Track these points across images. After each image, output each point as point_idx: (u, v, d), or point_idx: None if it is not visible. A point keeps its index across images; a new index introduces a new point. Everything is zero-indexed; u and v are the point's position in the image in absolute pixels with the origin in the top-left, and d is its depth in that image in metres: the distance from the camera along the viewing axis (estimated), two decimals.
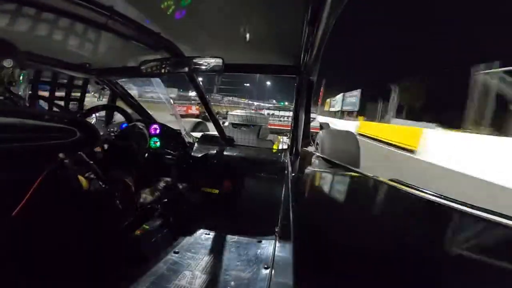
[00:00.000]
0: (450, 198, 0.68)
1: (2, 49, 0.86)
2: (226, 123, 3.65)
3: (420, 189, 0.77)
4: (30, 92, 1.47)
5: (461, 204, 0.65)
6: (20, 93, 0.93)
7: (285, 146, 2.76)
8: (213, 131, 2.13)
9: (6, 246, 0.68)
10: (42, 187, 0.74)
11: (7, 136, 0.72)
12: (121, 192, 1.16)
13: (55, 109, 1.66)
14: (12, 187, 0.71)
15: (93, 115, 1.79)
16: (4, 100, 0.87)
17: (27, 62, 0.94)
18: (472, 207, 0.62)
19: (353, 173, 1.13)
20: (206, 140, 2.09)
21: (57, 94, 1.66)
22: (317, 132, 3.16)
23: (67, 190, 0.84)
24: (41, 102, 1.60)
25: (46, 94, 1.60)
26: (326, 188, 1.05)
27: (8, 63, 0.85)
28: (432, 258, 0.43)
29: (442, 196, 0.70)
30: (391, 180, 0.88)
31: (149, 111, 2.12)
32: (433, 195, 0.71)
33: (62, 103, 1.70)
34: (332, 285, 0.35)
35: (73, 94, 1.75)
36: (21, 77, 0.92)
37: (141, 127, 1.53)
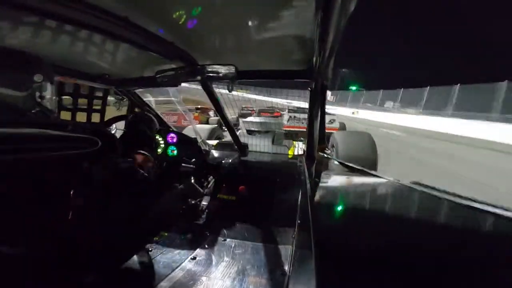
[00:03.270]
0: (475, 200, 0.64)
1: (32, 64, 0.91)
2: (242, 130, 3.66)
3: (443, 191, 0.73)
4: (56, 104, 1.55)
5: (486, 206, 0.61)
6: (47, 105, 0.97)
7: (301, 152, 2.73)
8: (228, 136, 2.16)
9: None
10: (68, 190, 0.78)
11: (34, 147, 0.76)
12: (141, 162, 1.31)
13: (78, 119, 1.74)
14: (41, 197, 0.74)
15: (114, 125, 1.86)
16: (33, 112, 0.92)
17: (54, 76, 0.99)
18: (499, 208, 0.59)
19: (371, 177, 1.09)
20: (221, 147, 2.12)
21: (79, 105, 1.74)
22: None
23: (92, 194, 0.88)
24: (64, 113, 1.69)
25: (69, 105, 1.68)
26: (343, 193, 1.02)
27: (38, 77, 0.90)
28: (463, 264, 0.41)
29: (467, 198, 0.66)
30: (413, 182, 0.85)
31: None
32: (457, 197, 0.68)
33: (84, 114, 1.78)
34: None
35: (94, 105, 1.82)
36: (49, 91, 0.96)
37: (146, 112, 1.61)
